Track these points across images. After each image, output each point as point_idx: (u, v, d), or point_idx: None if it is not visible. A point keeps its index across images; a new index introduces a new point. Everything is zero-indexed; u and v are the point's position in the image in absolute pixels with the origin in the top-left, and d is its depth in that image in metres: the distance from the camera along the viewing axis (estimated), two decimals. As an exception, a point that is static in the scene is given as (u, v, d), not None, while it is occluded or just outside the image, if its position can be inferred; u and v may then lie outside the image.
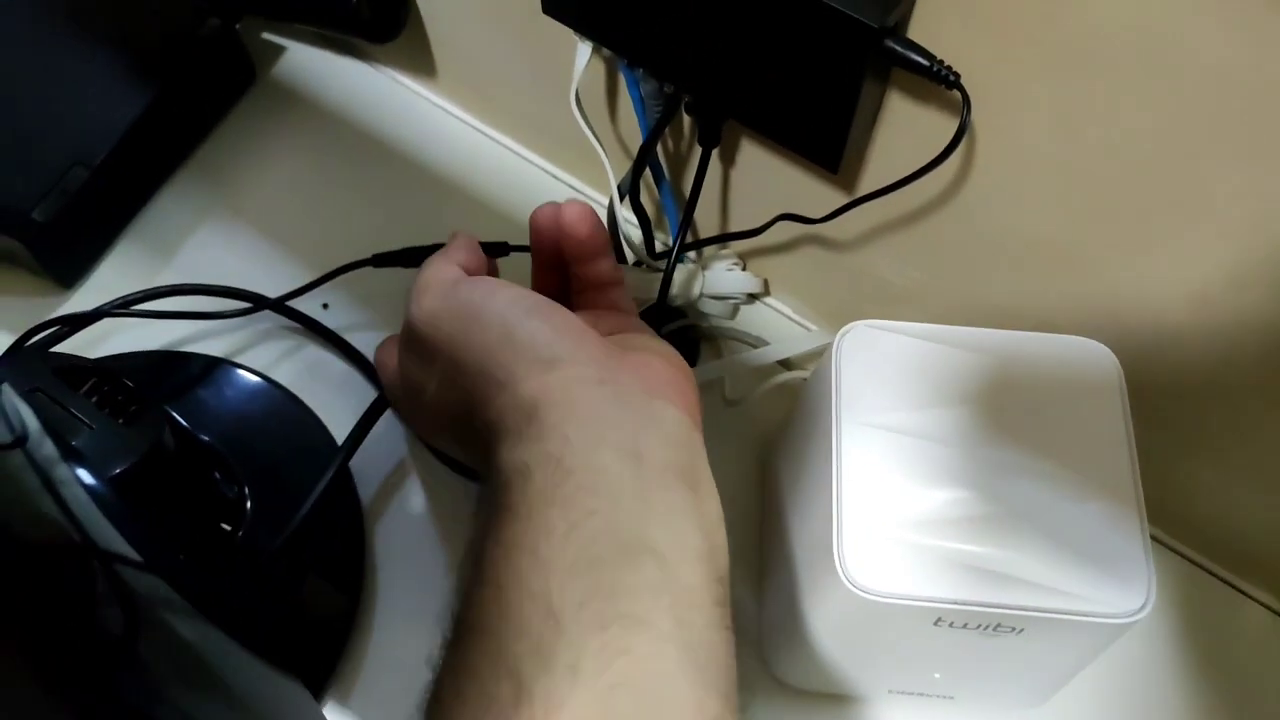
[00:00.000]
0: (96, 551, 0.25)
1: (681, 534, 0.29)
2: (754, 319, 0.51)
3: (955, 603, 0.32)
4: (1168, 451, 0.40)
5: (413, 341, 0.35)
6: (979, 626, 0.33)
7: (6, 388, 0.22)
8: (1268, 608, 0.45)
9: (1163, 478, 0.37)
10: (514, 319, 0.32)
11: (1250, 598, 0.45)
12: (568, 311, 0.33)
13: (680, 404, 0.32)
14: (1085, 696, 0.42)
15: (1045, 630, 0.33)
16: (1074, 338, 0.37)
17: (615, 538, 0.27)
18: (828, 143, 0.36)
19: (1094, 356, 0.37)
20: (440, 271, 0.36)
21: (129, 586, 0.26)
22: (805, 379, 0.47)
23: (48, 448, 0.25)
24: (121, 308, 0.47)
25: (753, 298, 0.50)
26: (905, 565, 0.33)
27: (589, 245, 0.38)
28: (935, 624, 0.33)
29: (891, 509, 0.34)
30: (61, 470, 0.30)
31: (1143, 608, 0.32)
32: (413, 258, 0.46)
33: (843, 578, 0.33)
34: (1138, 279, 0.36)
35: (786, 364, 0.49)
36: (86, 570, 0.22)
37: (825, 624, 0.36)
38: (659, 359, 0.34)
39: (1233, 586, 0.45)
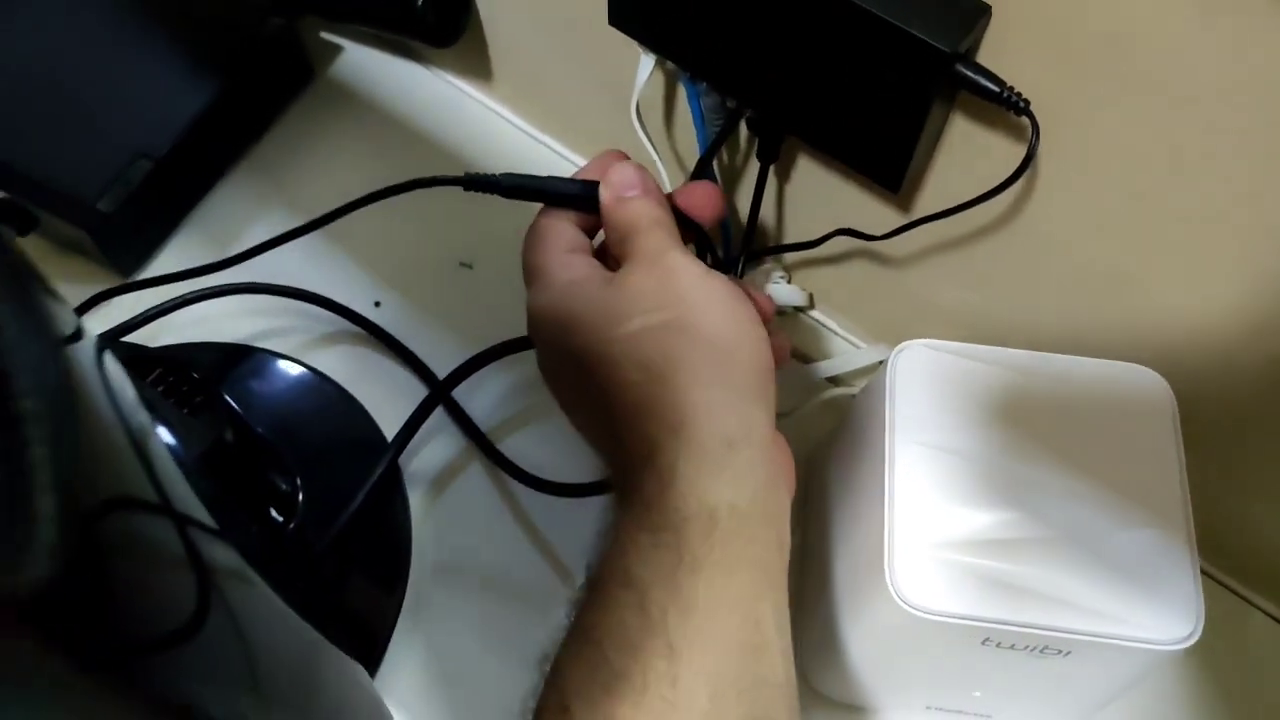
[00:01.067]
0: (176, 514, 0.25)
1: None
2: (798, 332, 0.51)
3: (1004, 623, 0.33)
4: (1219, 484, 0.40)
5: (531, 329, 0.34)
6: (1026, 648, 0.34)
7: (109, 352, 0.22)
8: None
9: (1213, 510, 0.37)
10: (686, 384, 0.30)
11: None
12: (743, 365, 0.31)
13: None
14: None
15: (1092, 654, 0.33)
16: (1128, 364, 0.37)
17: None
18: (891, 163, 0.36)
19: (1148, 383, 0.37)
20: (555, 256, 0.33)
21: (204, 553, 0.26)
22: (854, 395, 0.47)
23: (142, 415, 0.26)
24: (181, 305, 0.48)
25: (799, 310, 0.51)
26: (956, 584, 0.33)
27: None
28: (983, 643, 0.34)
29: (943, 528, 0.34)
30: (152, 439, 0.31)
31: (1191, 635, 0.32)
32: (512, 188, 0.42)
33: (893, 594, 0.33)
34: (1195, 308, 0.36)
35: (835, 380, 0.49)
36: (163, 529, 0.23)
37: (870, 638, 0.37)
38: (782, 440, 0.33)
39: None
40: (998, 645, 0.34)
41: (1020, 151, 0.34)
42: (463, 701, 0.43)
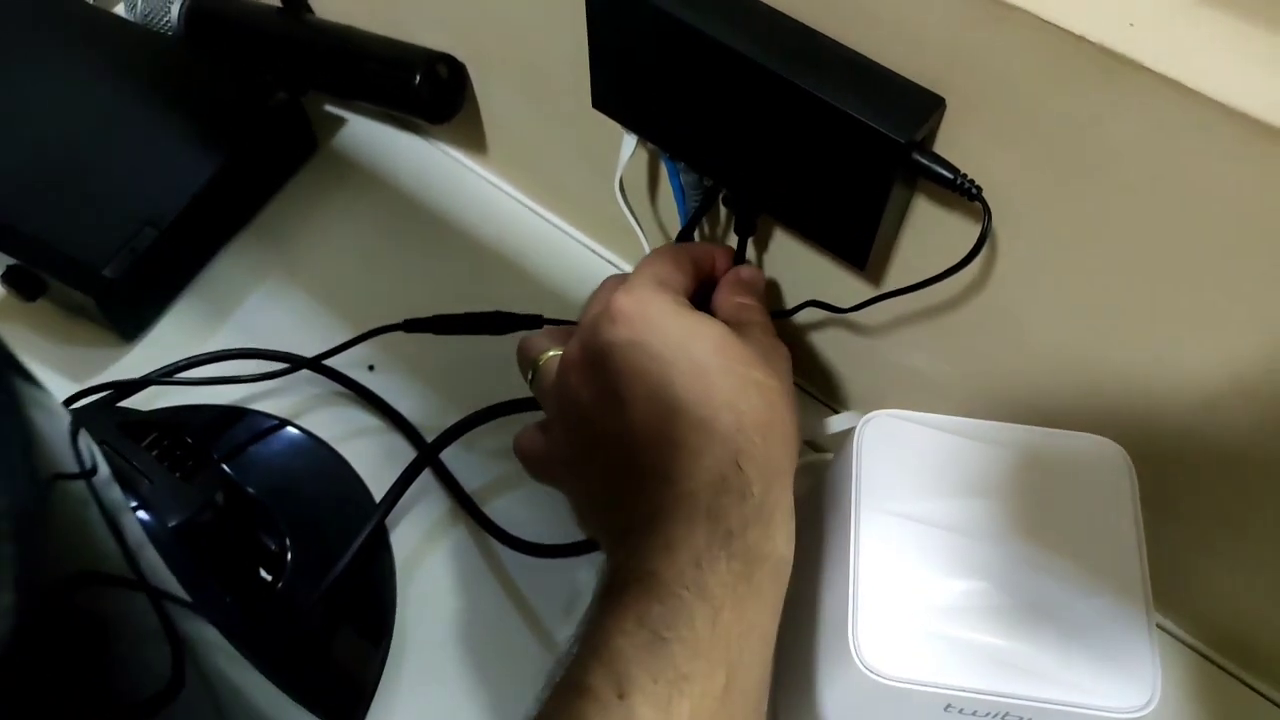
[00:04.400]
0: (149, 588, 0.26)
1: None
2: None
3: (965, 690, 0.33)
4: (1180, 545, 0.41)
5: (596, 367, 0.36)
6: (988, 715, 0.34)
7: (84, 431, 0.24)
8: (1274, 703, 0.45)
9: (1174, 570, 0.38)
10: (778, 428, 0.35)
11: (1258, 693, 0.45)
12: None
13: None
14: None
15: (1053, 723, 0.34)
16: (1088, 435, 0.38)
17: None
18: (856, 242, 0.38)
19: (1107, 454, 0.38)
20: (657, 302, 0.37)
21: (177, 626, 0.28)
22: (828, 461, 0.49)
23: (115, 492, 0.27)
24: (177, 370, 0.49)
25: (779, 377, 0.52)
26: (918, 651, 0.34)
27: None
28: (945, 710, 0.35)
29: (907, 596, 0.35)
30: (125, 515, 0.32)
31: (1148, 704, 0.33)
32: (442, 325, 0.49)
33: (856, 660, 0.34)
34: (1149, 380, 0.37)
35: (812, 445, 0.50)
36: (137, 606, 0.24)
37: (838, 706, 0.37)
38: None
39: (1241, 681, 0.45)
40: (960, 712, 0.34)
41: (977, 231, 0.35)
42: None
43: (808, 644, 0.38)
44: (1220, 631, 0.45)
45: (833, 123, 0.34)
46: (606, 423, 0.36)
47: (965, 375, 0.43)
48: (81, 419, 0.44)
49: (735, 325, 0.38)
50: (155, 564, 0.23)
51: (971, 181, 0.34)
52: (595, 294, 0.40)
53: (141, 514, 0.38)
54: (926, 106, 0.34)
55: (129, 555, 0.22)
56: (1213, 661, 0.46)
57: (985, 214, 0.34)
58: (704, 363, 0.35)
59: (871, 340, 0.45)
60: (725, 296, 0.41)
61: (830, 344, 0.48)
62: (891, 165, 0.34)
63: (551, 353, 0.40)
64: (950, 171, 0.34)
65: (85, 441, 0.22)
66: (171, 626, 0.24)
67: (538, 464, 0.41)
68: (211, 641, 0.27)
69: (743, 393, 0.35)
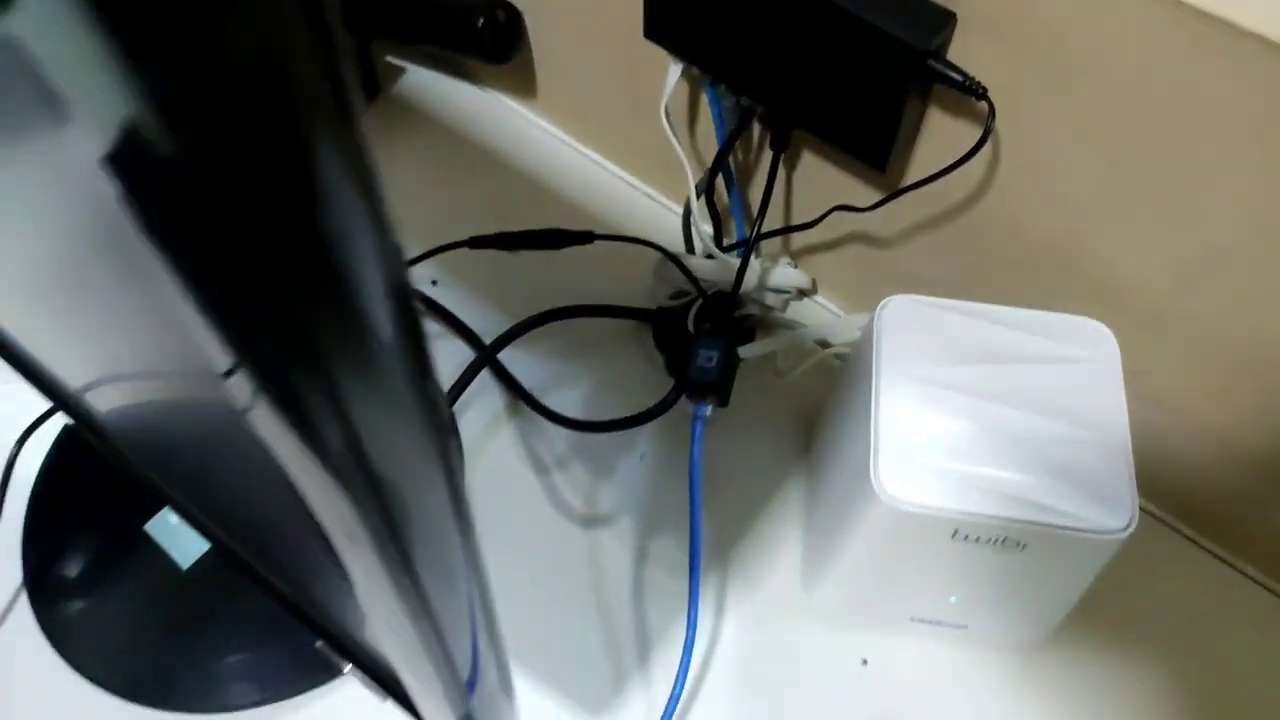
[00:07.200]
0: None
1: None
2: (803, 313, 0.58)
3: (970, 514, 0.39)
4: (1159, 428, 0.47)
5: None
6: (990, 540, 0.40)
7: None
8: (1228, 564, 0.51)
9: (1155, 453, 0.43)
10: None
11: (1231, 566, 0.51)
12: None
13: None
14: (1075, 634, 0.48)
15: (1046, 545, 0.40)
16: (1079, 317, 0.44)
17: None
18: (878, 144, 0.44)
19: (1096, 333, 0.44)
20: None
21: None
22: (847, 353, 0.54)
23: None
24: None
25: (803, 294, 0.58)
26: (930, 484, 0.40)
27: None
28: (953, 537, 0.40)
29: (920, 439, 0.41)
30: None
31: (1127, 526, 0.39)
32: (504, 242, 0.55)
33: (877, 491, 0.40)
34: (1130, 266, 0.43)
35: (827, 345, 0.56)
36: None
37: (862, 542, 0.43)
38: None
39: (1210, 553, 0.51)
40: (965, 538, 0.40)
41: (981, 131, 0.41)
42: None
43: (837, 489, 0.44)
44: (1194, 507, 0.50)
45: (860, 35, 0.40)
46: None
47: (965, 267, 0.49)
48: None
49: None
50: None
51: (978, 83, 0.40)
52: None
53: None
54: (940, 20, 0.40)
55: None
56: (1191, 540, 0.51)
57: (990, 112, 0.40)
58: None
59: (890, 250, 0.51)
60: None
61: (848, 257, 0.54)
62: (911, 72, 0.40)
63: None
64: (961, 75, 0.40)
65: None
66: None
67: None
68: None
69: None
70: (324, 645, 0.41)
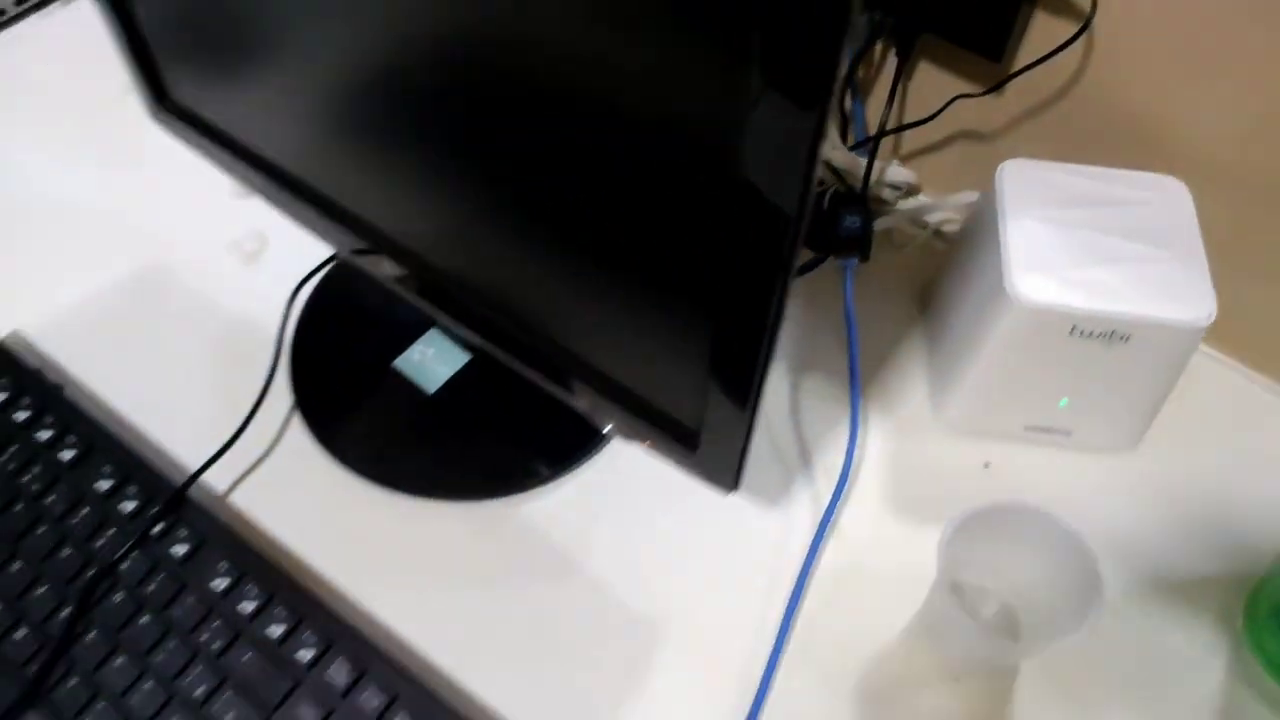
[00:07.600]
0: None
1: None
2: (910, 206, 0.69)
3: (1085, 310, 0.50)
4: (1229, 276, 0.57)
5: None
6: (1099, 334, 0.51)
7: None
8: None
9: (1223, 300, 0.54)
10: None
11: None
12: None
13: None
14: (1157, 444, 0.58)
15: (1144, 336, 0.50)
16: (1161, 175, 0.55)
17: None
18: (994, 37, 0.55)
19: (1173, 184, 0.55)
20: None
21: None
22: (956, 227, 0.65)
23: None
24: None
25: (912, 190, 0.69)
26: (1053, 287, 0.50)
27: None
28: (1070, 333, 0.51)
29: (1042, 255, 0.51)
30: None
31: (1209, 316, 0.50)
32: None
33: (1011, 295, 0.50)
34: (1209, 132, 0.54)
35: (928, 229, 0.67)
36: None
37: (995, 347, 0.53)
38: None
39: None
40: (1080, 334, 0.51)
41: (1078, 26, 0.52)
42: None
43: (965, 317, 0.55)
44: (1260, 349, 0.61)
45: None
46: None
47: (1057, 153, 0.60)
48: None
49: None
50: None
51: (1083, -24, 0.51)
52: None
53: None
54: (1052, -70, 0.51)
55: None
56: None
57: (1092, 4, 0.52)
58: None
59: (993, 144, 0.62)
60: None
61: (951, 151, 0.65)
62: (1027, -29, 0.52)
63: None
64: (1069, -28, 0.51)
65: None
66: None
67: None
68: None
69: None
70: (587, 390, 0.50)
